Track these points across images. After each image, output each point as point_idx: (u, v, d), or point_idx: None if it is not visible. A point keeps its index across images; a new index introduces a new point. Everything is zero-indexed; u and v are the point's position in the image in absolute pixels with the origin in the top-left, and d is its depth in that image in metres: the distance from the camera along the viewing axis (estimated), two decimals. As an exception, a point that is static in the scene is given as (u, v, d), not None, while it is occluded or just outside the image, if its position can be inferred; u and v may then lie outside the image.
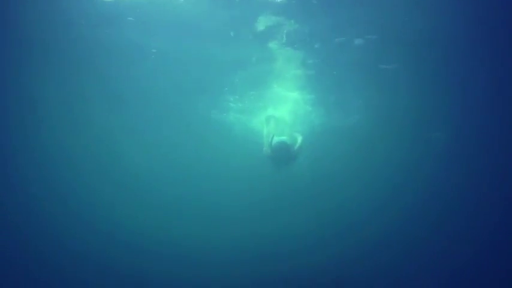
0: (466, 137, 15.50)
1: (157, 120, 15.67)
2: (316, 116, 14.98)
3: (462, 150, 16.29)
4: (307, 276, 17.90)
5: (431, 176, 18.37)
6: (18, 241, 18.92)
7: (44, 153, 17.25)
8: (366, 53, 10.91)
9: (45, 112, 15.10)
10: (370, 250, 19.89)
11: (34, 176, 18.17)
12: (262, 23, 9.65)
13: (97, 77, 12.76)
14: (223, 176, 19.12)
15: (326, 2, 9.04)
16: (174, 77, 12.47)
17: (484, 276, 18.24)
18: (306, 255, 19.15)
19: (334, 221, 20.59)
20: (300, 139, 11.24)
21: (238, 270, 18.46)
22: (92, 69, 12.31)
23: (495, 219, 19.36)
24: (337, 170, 18.50)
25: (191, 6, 9.25)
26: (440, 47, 10.65)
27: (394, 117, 14.52)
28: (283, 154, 10.62)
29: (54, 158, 17.79)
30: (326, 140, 16.16)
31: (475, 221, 19.64)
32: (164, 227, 20.52)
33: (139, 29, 10.11)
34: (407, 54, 10.99)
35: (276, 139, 10.75)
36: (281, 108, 14.33)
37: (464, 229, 19.69)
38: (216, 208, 20.52)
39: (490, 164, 16.87)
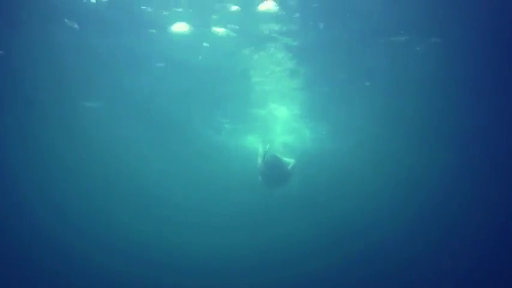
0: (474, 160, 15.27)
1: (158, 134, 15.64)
2: (312, 141, 14.89)
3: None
4: (307, 285, 17.90)
5: (430, 197, 18.26)
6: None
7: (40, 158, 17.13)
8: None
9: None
10: (368, 260, 19.76)
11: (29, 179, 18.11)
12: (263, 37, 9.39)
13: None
14: (224, 187, 19.06)
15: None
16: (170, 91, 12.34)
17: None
18: (306, 264, 19.10)
19: (333, 231, 20.52)
20: (293, 161, 11.11)
21: (238, 279, 18.52)
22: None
23: (500, 232, 19.00)
24: (337, 184, 18.46)
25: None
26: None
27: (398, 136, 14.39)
28: (276, 170, 10.35)
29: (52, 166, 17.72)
30: (322, 160, 16.10)
31: (477, 235, 19.38)
32: (161, 235, 20.56)
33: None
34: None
35: (270, 155, 10.57)
36: (277, 131, 14.27)
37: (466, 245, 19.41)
38: (216, 217, 20.47)
39: (496, 178, 16.60)
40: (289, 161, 11.12)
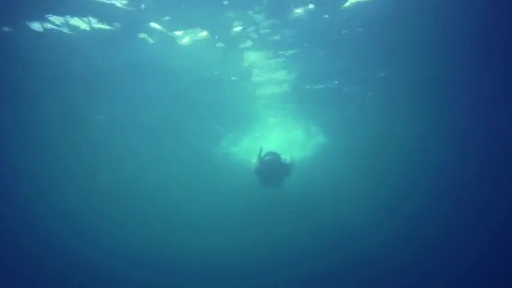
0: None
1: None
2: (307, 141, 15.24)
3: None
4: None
5: (428, 192, 18.25)
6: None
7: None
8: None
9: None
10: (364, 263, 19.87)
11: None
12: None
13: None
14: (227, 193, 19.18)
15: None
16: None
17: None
18: (303, 266, 19.25)
19: (330, 233, 20.58)
20: (289, 157, 10.96)
21: (238, 281, 18.78)
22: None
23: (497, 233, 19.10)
24: (334, 185, 18.50)
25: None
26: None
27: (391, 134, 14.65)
28: (273, 167, 10.01)
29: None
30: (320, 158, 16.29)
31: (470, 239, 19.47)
32: (162, 239, 20.59)
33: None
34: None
35: (266, 152, 10.22)
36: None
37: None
38: (216, 220, 20.52)
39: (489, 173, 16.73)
40: (286, 156, 10.91)
